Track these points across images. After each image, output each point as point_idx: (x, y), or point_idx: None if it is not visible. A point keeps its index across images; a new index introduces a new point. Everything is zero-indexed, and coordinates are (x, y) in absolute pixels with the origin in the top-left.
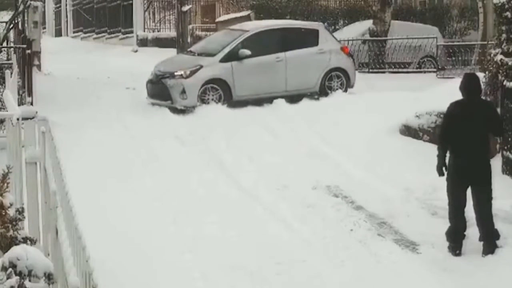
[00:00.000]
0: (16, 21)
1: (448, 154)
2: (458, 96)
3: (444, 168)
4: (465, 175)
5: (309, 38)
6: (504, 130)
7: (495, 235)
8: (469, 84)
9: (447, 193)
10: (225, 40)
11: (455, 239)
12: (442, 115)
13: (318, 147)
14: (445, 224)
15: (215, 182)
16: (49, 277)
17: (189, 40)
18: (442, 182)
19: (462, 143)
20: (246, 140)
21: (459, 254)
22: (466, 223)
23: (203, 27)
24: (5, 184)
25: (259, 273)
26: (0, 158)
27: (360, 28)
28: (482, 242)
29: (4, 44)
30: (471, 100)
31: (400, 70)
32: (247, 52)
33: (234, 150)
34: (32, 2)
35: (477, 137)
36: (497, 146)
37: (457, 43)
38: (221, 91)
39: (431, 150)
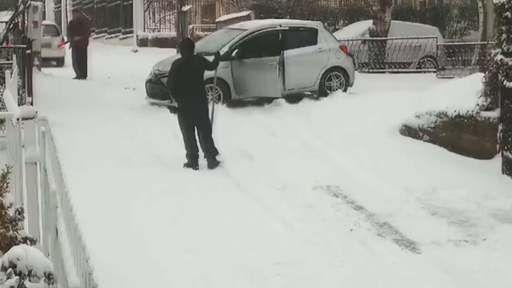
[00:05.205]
0: (16, 21)
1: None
2: (458, 96)
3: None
4: (189, 113)
5: (308, 37)
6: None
7: (215, 153)
8: (185, 45)
9: (180, 129)
10: (224, 39)
11: (193, 159)
12: (442, 115)
13: (318, 147)
14: (446, 224)
15: (214, 181)
16: (49, 277)
17: None
18: (442, 182)
19: (185, 90)
20: (246, 140)
21: (198, 168)
22: (198, 147)
23: (203, 27)
24: (5, 184)
25: (259, 273)
26: (0, 158)
27: (360, 28)
28: (206, 159)
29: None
30: (187, 57)
31: (400, 70)
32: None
33: (234, 149)
34: (32, 2)
35: (196, 83)
36: (497, 146)
37: (457, 43)
38: (220, 90)
39: (431, 150)
